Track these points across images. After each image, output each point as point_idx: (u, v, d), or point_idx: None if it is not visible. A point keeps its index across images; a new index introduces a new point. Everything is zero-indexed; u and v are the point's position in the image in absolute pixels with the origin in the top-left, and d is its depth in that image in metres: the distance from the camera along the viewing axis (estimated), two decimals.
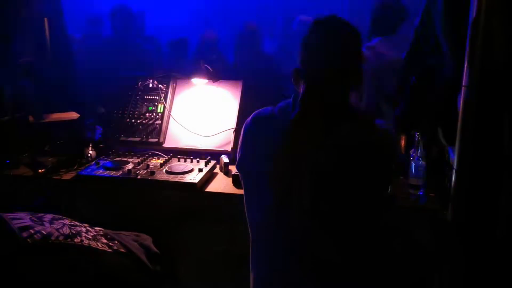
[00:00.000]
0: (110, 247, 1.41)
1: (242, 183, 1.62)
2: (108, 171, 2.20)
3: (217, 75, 2.61)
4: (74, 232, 1.36)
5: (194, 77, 2.62)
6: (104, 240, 1.43)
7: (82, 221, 1.52)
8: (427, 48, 1.90)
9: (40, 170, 2.26)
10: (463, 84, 1.65)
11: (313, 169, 1.39)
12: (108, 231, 1.50)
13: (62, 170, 2.29)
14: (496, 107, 1.64)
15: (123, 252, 1.44)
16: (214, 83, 2.63)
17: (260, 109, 1.56)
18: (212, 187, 2.17)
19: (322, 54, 1.41)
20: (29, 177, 2.26)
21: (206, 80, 2.62)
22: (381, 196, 1.51)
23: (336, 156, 1.39)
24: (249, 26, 4.03)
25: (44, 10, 2.89)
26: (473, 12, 1.60)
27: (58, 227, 1.34)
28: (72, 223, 1.41)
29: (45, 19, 2.92)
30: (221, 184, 2.19)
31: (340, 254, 1.46)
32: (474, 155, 1.68)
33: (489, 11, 1.59)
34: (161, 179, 2.13)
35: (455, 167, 1.72)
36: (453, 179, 1.74)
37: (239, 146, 1.62)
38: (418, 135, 1.95)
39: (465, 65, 1.64)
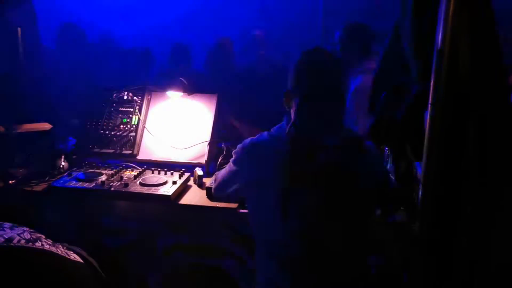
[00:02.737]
0: (68, 254, 1.42)
1: (246, 200, 1.74)
2: (81, 183, 2.19)
3: (192, 88, 2.63)
4: (34, 237, 1.36)
5: (169, 89, 2.64)
6: (63, 249, 1.43)
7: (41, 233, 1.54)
8: (396, 67, 1.97)
9: (10, 181, 2.23)
10: (429, 101, 1.72)
11: (311, 169, 1.57)
12: (64, 244, 1.50)
13: (33, 182, 2.26)
14: (461, 124, 1.72)
15: (80, 261, 1.45)
16: (189, 96, 2.66)
17: (253, 137, 1.72)
18: (186, 200, 2.17)
19: (316, 77, 1.64)
20: None
21: (181, 93, 2.64)
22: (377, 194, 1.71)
23: (336, 157, 1.59)
24: (222, 41, 4.09)
25: (17, 19, 2.86)
26: (439, 34, 1.68)
27: (19, 233, 1.34)
28: (32, 231, 1.41)
29: (19, 28, 2.89)
30: (195, 197, 2.20)
31: (343, 244, 1.61)
32: (440, 170, 1.74)
33: (455, 33, 1.67)
34: (135, 191, 2.13)
35: (421, 181, 1.78)
36: (420, 193, 1.80)
37: (232, 171, 1.75)
38: (387, 150, 2.01)
39: (431, 83, 1.71)
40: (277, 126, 1.69)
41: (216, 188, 1.91)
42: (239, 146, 1.74)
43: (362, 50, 3.27)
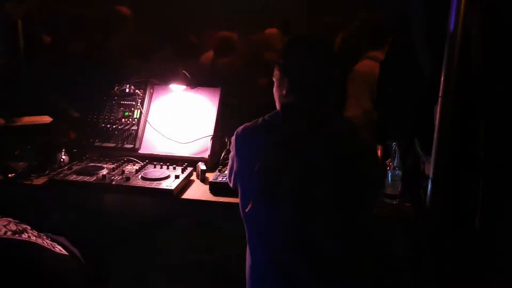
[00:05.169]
0: (53, 247, 1.40)
1: (239, 187, 1.69)
2: (81, 176, 2.15)
3: (195, 82, 2.59)
4: (20, 228, 1.35)
5: (172, 83, 2.60)
6: (48, 240, 1.41)
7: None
8: (405, 59, 1.93)
9: (10, 175, 2.19)
10: (440, 95, 1.68)
11: (303, 157, 1.54)
12: (48, 234, 1.48)
13: (33, 175, 2.22)
14: (471, 118, 1.68)
15: (65, 253, 1.43)
16: (192, 90, 2.61)
17: (247, 123, 1.69)
18: (189, 194, 2.13)
19: (310, 66, 1.61)
20: None
21: (184, 87, 2.60)
22: (367, 187, 1.63)
23: (326, 145, 1.55)
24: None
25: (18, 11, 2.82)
26: (451, 27, 1.64)
27: (4, 224, 1.33)
28: (17, 221, 1.39)
29: (19, 20, 2.85)
30: (198, 192, 2.16)
31: (330, 238, 1.55)
32: (450, 165, 1.71)
33: (466, 27, 1.63)
34: (136, 185, 2.09)
35: (431, 177, 1.74)
36: (429, 188, 1.76)
37: (231, 158, 1.73)
38: (395, 145, 1.97)
39: (442, 77, 1.67)
40: (273, 112, 1.67)
41: (228, 178, 1.88)
42: (235, 132, 1.73)
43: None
